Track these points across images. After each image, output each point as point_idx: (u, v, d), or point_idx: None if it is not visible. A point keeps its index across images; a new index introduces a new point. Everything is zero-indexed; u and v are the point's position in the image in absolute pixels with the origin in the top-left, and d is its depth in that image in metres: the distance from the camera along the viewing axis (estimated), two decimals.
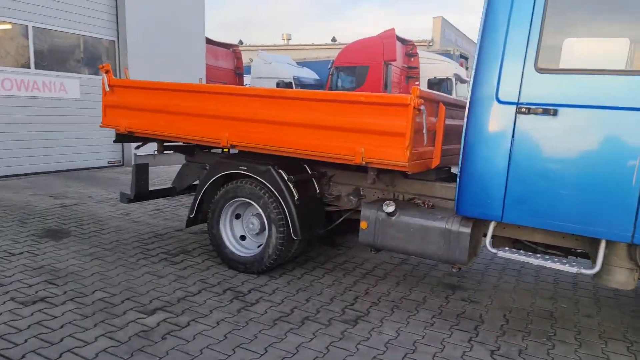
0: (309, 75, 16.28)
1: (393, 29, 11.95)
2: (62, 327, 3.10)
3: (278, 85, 13.72)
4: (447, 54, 15.55)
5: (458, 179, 3.25)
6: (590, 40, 2.99)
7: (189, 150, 5.03)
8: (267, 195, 3.95)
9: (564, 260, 3.14)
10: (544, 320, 3.56)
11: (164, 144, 4.95)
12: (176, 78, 5.80)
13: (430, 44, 23.74)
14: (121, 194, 5.01)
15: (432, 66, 13.21)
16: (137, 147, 5.19)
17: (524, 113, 2.95)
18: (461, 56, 16.29)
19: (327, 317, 3.44)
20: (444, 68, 13.25)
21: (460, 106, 4.06)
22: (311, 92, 3.89)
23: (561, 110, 2.85)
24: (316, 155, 3.66)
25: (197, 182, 4.98)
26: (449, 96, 4.10)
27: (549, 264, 3.09)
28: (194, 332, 3.12)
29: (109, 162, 10.09)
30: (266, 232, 4.03)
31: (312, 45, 29.50)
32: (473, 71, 3.15)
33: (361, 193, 4.11)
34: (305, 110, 3.63)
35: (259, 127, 3.87)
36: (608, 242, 2.93)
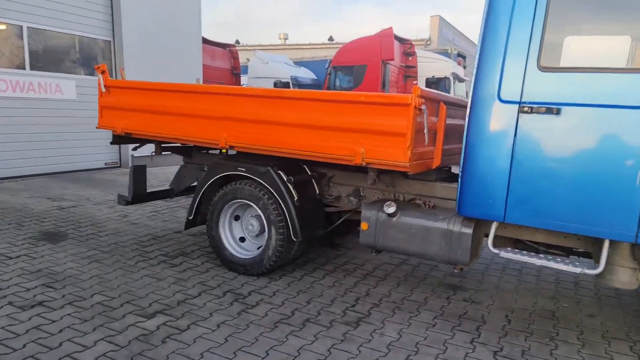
0: (306, 75, 16.24)
1: (391, 28, 11.93)
2: (60, 331, 3.06)
3: (275, 85, 13.68)
4: (445, 53, 15.54)
5: (460, 179, 3.22)
6: (593, 38, 2.97)
7: (187, 151, 4.99)
8: (266, 196, 3.92)
9: (567, 261, 3.12)
10: (546, 320, 3.54)
11: (162, 145, 4.91)
12: (173, 78, 5.77)
13: (428, 42, 23.73)
14: (119, 196, 4.97)
15: (430, 65, 13.19)
16: (135, 149, 5.15)
17: (526, 112, 2.93)
18: (459, 55, 16.28)
19: (328, 319, 3.41)
20: (442, 67, 13.24)
21: (460, 105, 4.04)
22: (311, 92, 3.86)
23: (564, 109, 2.82)
24: (316, 156, 3.63)
25: (195, 183, 4.94)
26: (450, 95, 4.08)
27: (552, 264, 3.07)
28: (195, 335, 3.09)
29: (106, 164, 10.03)
30: (266, 233, 4.00)
31: (310, 44, 29.45)
32: (474, 70, 3.12)
33: (361, 194, 4.08)
34: (304, 111, 3.60)
35: (258, 127, 3.84)
36: (611, 242, 2.91)
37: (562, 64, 2.95)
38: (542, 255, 3.20)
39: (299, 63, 17.44)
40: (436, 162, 3.53)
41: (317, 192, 4.16)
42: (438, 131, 3.48)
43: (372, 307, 3.63)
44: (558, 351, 3.08)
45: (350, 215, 4.21)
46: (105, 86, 4.73)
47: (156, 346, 2.93)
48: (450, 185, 3.72)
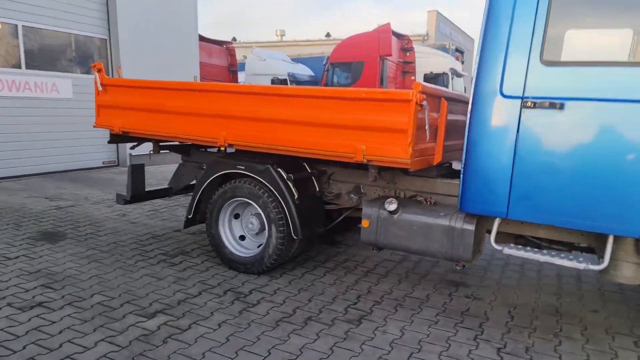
0: (303, 71, 16.19)
1: (388, 24, 11.88)
2: (60, 332, 3.03)
3: (273, 82, 13.62)
4: (443, 48, 15.50)
5: (461, 176, 3.20)
6: (597, 31, 2.94)
7: (185, 149, 4.95)
8: (266, 194, 3.89)
9: (570, 257, 3.09)
10: (549, 316, 3.53)
11: (160, 143, 4.87)
12: (170, 76, 5.73)
13: (425, 38, 23.67)
14: (117, 195, 4.94)
15: (428, 61, 13.15)
16: (132, 148, 5.11)
17: (529, 107, 2.90)
18: (457, 50, 16.24)
19: (330, 317, 3.39)
20: (440, 62, 13.20)
21: (460, 101, 4.01)
22: (310, 88, 3.83)
23: (568, 103, 2.79)
24: (316, 154, 3.60)
25: (194, 181, 4.91)
26: (450, 91, 4.05)
27: (556, 260, 3.05)
28: (196, 335, 3.06)
29: (103, 163, 9.98)
30: (266, 231, 3.97)
31: (307, 41, 29.37)
32: (476, 65, 3.09)
33: (362, 191, 4.05)
34: (304, 108, 3.57)
35: (257, 125, 3.80)
36: (615, 237, 2.89)
37: (566, 58, 2.92)
38: (545, 252, 3.18)
39: (296, 60, 17.38)
40: (437, 159, 3.50)
41: (317, 189, 4.13)
42: (439, 127, 3.45)
43: (373, 305, 3.61)
44: (562, 347, 3.07)
45: (350, 212, 4.18)
46: (101, 85, 4.68)
47: (157, 346, 2.91)
48: (451, 181, 3.70)
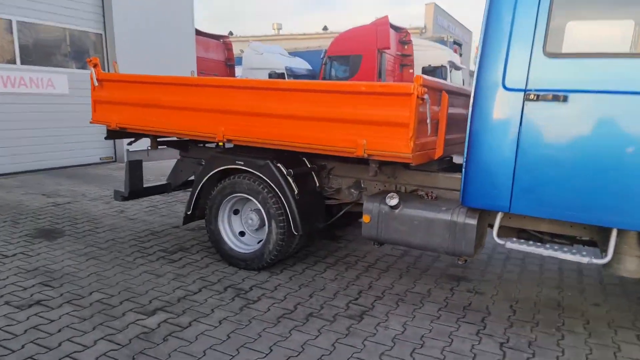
0: (301, 65, 16.12)
1: (386, 17, 11.80)
2: (59, 331, 3.00)
3: (270, 76, 13.55)
4: (441, 41, 15.43)
5: (463, 170, 3.16)
6: (601, 22, 2.90)
7: (183, 145, 4.91)
8: (266, 190, 3.85)
9: (574, 251, 3.07)
10: (551, 310, 3.52)
11: (158, 139, 4.82)
12: (167, 71, 5.67)
13: (423, 31, 23.55)
14: (115, 192, 4.89)
15: (426, 53, 13.10)
16: (130, 143, 5.06)
17: (532, 100, 2.86)
18: (455, 43, 16.19)
19: (332, 313, 3.37)
20: (439, 55, 13.15)
21: (461, 94, 3.97)
22: (310, 82, 3.79)
23: (571, 96, 2.76)
24: (316, 149, 3.56)
25: (192, 177, 4.87)
26: (451, 84, 4.00)
27: (559, 254, 3.03)
28: (196, 332, 3.04)
29: (101, 159, 9.92)
30: (266, 227, 3.94)
31: (304, 34, 29.20)
32: (478, 57, 3.05)
33: (362, 185, 4.02)
34: (304, 102, 3.52)
35: (256, 120, 3.75)
36: (619, 231, 2.86)
37: (569, 50, 2.88)
38: (548, 246, 3.15)
39: (293, 53, 17.30)
40: (438, 153, 3.46)
41: (317, 184, 4.09)
42: (440, 121, 3.41)
43: (375, 300, 3.59)
44: (565, 341, 3.05)
45: (350, 207, 4.15)
46: (97, 80, 4.62)
47: (158, 344, 2.88)
48: (453, 175, 3.67)
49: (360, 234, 3.73)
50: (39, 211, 5.91)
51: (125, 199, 4.84)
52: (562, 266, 4.43)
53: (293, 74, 14.66)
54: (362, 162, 3.70)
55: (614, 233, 2.85)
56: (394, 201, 3.43)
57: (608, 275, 4.14)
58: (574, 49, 2.87)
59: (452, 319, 3.32)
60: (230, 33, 29.58)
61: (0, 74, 8.14)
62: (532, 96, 2.87)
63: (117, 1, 9.70)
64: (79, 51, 9.54)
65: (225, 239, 4.19)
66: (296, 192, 3.79)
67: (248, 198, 4.03)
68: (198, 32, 12.36)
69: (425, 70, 12.73)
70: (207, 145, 4.79)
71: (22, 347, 2.81)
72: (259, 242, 4.10)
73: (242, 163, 3.97)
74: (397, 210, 3.47)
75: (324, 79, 12.50)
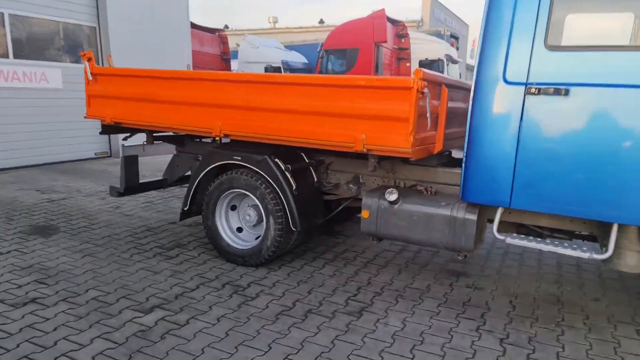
0: (297, 59, 16.01)
1: (383, 10, 11.71)
2: (55, 329, 2.96)
3: (266, 69, 13.45)
4: (438, 34, 15.36)
5: (463, 165, 3.13)
6: (604, 15, 2.87)
7: (179, 140, 4.85)
8: (263, 185, 3.81)
9: (574, 246, 3.06)
10: (551, 305, 3.50)
11: (153, 134, 4.76)
12: (162, 65, 5.58)
13: (420, 24, 23.43)
14: (110, 188, 4.83)
15: (423, 47, 13.03)
16: (125, 139, 5.00)
17: (533, 94, 2.83)
18: (452, 36, 16.13)
19: (331, 309, 3.34)
20: (435, 49, 13.09)
21: (460, 88, 3.93)
22: (308, 76, 3.73)
23: (573, 89, 2.73)
24: (315, 143, 3.52)
25: (189, 173, 4.82)
26: (451, 78, 3.96)
27: (560, 250, 3.01)
28: (194, 330, 3.01)
29: (96, 154, 9.83)
30: (264, 223, 3.90)
31: (300, 28, 29.01)
32: (478, 51, 3.01)
33: (361, 181, 3.99)
34: (302, 96, 3.48)
35: (254, 115, 3.71)
36: (620, 226, 2.85)
37: (571, 43, 2.84)
38: (548, 241, 3.14)
39: (289, 47, 17.17)
40: (438, 147, 3.44)
41: (315, 180, 4.05)
42: (440, 115, 3.38)
43: (374, 296, 3.57)
44: (565, 337, 3.04)
45: (349, 202, 4.12)
46: (92, 74, 4.55)
47: (155, 342, 2.85)
48: (452, 170, 3.64)
49: (359, 230, 3.70)
50: (33, 207, 5.85)
51: (121, 194, 4.79)
52: (560, 261, 4.42)
53: (289, 68, 14.56)
54: (361, 157, 3.66)
55: (615, 228, 2.83)
56: (393, 196, 3.40)
57: (607, 269, 4.13)
58: (575, 42, 2.83)
59: (452, 315, 3.30)
60: (226, 26, 29.37)
61: None
62: (533, 90, 2.84)
63: None
64: (72, 45, 9.42)
65: (223, 235, 4.15)
66: (294, 187, 3.75)
67: (246, 194, 3.99)
68: (193, 26, 12.24)
69: (422, 64, 12.66)
70: (203, 140, 4.74)
71: (17, 346, 2.77)
72: (256, 238, 4.07)
73: (239, 158, 3.92)
74: (396, 206, 3.44)
75: (320, 72, 12.42)
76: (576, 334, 3.09)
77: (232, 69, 14.60)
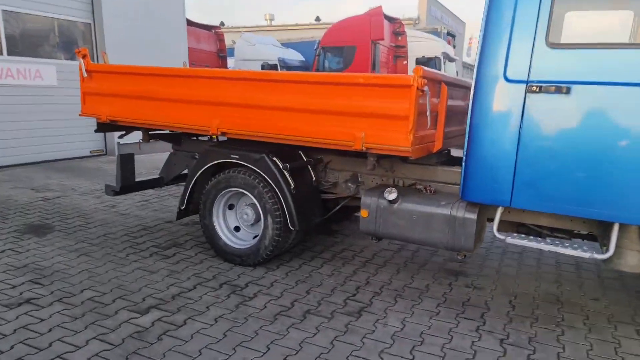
0: (294, 56, 15.96)
1: (380, 7, 11.68)
2: (50, 330, 2.92)
3: (263, 67, 13.40)
4: (435, 32, 15.34)
5: (463, 163, 3.11)
6: (607, 12, 2.84)
7: (176, 138, 4.80)
8: (261, 184, 3.77)
9: (575, 245, 3.04)
10: (550, 304, 3.49)
11: (150, 132, 4.70)
12: (158, 62, 5.52)
13: (417, 22, 23.41)
14: (106, 187, 4.77)
15: (420, 45, 13.02)
16: (121, 137, 4.94)
17: (534, 92, 2.80)
18: (449, 34, 16.11)
19: (329, 309, 3.31)
20: (432, 46, 13.08)
21: (459, 85, 3.90)
22: (307, 74, 3.69)
23: (575, 87, 2.70)
24: (313, 142, 3.48)
25: (186, 171, 4.77)
26: (450, 76, 3.93)
27: (560, 249, 2.99)
28: (192, 330, 2.97)
29: (91, 152, 9.75)
30: (261, 222, 3.86)
31: (296, 25, 28.93)
32: (478, 48, 2.98)
33: (359, 179, 3.95)
34: (301, 94, 3.43)
35: (252, 112, 3.66)
36: (620, 225, 2.83)
37: (572, 40, 2.81)
38: (549, 241, 3.12)
39: (286, 44, 17.12)
40: (437, 146, 3.40)
41: (314, 178, 4.02)
42: (439, 113, 3.35)
43: (373, 296, 3.54)
44: (565, 337, 3.02)
45: (347, 201, 4.09)
46: (87, 71, 4.49)
47: (152, 344, 2.81)
48: (451, 169, 3.61)
49: (357, 229, 3.68)
50: (28, 206, 5.78)
51: (116, 193, 4.73)
52: (559, 260, 4.41)
53: (286, 66, 14.51)
54: (360, 155, 3.63)
55: (616, 228, 2.81)
56: (392, 195, 3.37)
57: (606, 269, 4.12)
58: (577, 40, 2.80)
59: (452, 315, 3.28)
60: (222, 24, 29.23)
61: None
62: (534, 88, 2.81)
63: None
64: (67, 41, 9.33)
65: (220, 234, 4.11)
66: (292, 186, 3.71)
67: (243, 192, 3.95)
68: (189, 23, 12.15)
69: (419, 62, 12.64)
70: (200, 138, 4.70)
71: (12, 347, 2.72)
72: (254, 238, 4.03)
73: (237, 157, 3.88)
74: (395, 205, 3.41)
75: (317, 70, 12.38)
76: (576, 334, 3.07)
77: (228, 66, 14.52)
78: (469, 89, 3.09)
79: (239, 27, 28.61)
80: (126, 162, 4.69)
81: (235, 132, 3.80)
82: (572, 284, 3.88)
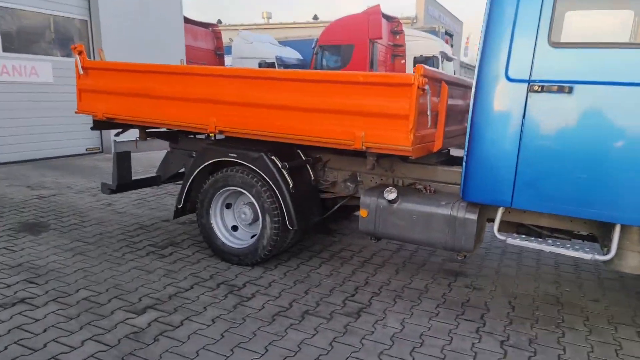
0: (291, 54, 15.90)
1: (378, 6, 11.62)
2: (45, 331, 2.88)
3: (260, 65, 13.33)
4: (432, 31, 15.31)
5: (464, 163, 3.08)
6: (610, 11, 2.81)
7: (173, 136, 4.75)
8: (260, 183, 3.73)
9: (576, 247, 3.02)
10: (550, 306, 3.47)
11: (146, 130, 4.66)
12: (155, 59, 5.48)
13: (414, 21, 23.38)
14: (102, 185, 4.72)
15: (417, 44, 12.97)
16: (117, 134, 4.89)
17: (536, 91, 2.77)
18: (446, 33, 16.09)
19: (328, 310, 3.28)
20: (430, 46, 13.02)
21: (459, 85, 3.88)
22: (306, 72, 3.65)
23: (577, 87, 2.68)
24: (312, 141, 3.44)
25: (183, 169, 4.73)
26: (450, 75, 3.90)
27: (562, 250, 2.97)
28: (189, 331, 2.93)
29: (87, 149, 9.68)
30: (260, 222, 3.83)
31: (294, 23, 28.85)
32: (480, 47, 2.95)
33: (358, 179, 3.92)
34: (300, 92, 3.40)
35: (250, 111, 3.62)
36: (622, 227, 2.81)
37: (575, 39, 2.78)
38: (550, 241, 3.09)
39: (283, 42, 17.05)
40: (437, 145, 3.38)
41: (312, 177, 3.98)
42: (440, 112, 3.32)
43: (372, 297, 3.51)
44: (566, 339, 3.00)
45: (346, 201, 4.05)
46: (83, 68, 4.44)
47: (148, 345, 2.77)
48: (451, 168, 3.59)
49: (355, 228, 3.65)
50: (23, 204, 5.72)
51: (113, 191, 4.68)
52: (558, 260, 4.39)
53: (283, 64, 14.44)
54: (359, 154, 3.60)
55: (618, 229, 2.79)
56: (392, 195, 3.34)
57: (606, 270, 4.11)
58: (580, 39, 2.78)
59: (451, 316, 3.25)
60: (219, 21, 29.09)
61: None
62: (536, 87, 2.78)
63: None
64: (63, 38, 9.25)
65: (218, 233, 4.07)
66: (291, 185, 3.67)
67: (241, 192, 3.91)
68: (186, 20, 12.08)
69: (417, 61, 12.58)
70: (197, 136, 4.65)
71: (5, 348, 2.68)
72: (252, 237, 3.99)
73: (235, 155, 3.84)
74: (395, 205, 3.38)
75: (315, 69, 12.32)
76: (577, 335, 3.05)
77: (225, 64, 14.45)
78: (469, 88, 3.06)
79: (236, 25, 28.51)
80: (123, 160, 4.64)
81: (233, 130, 3.75)
82: (571, 285, 3.87)
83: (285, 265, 4.05)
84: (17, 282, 3.52)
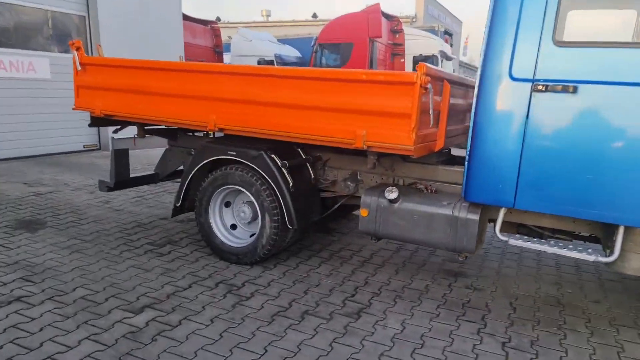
0: (290, 52, 15.85)
1: (378, 4, 11.58)
2: (41, 330, 2.84)
3: (259, 63, 13.29)
4: (432, 30, 15.28)
5: (467, 163, 3.05)
6: (615, 10, 2.78)
7: (171, 133, 4.71)
8: (259, 182, 3.70)
9: (579, 248, 2.99)
10: (552, 307, 3.44)
11: (145, 127, 4.61)
12: (153, 56, 5.41)
13: (414, 20, 23.35)
14: (100, 182, 4.67)
15: (417, 43, 12.94)
16: (115, 131, 4.84)
17: (540, 90, 2.74)
18: (446, 32, 16.05)
19: (328, 310, 3.25)
20: (430, 45, 13.00)
21: (461, 84, 3.85)
22: (307, 69, 3.62)
23: (582, 87, 2.65)
24: (313, 139, 3.41)
25: (181, 167, 4.69)
26: (452, 74, 3.87)
27: (564, 252, 2.94)
28: (187, 331, 2.90)
29: (84, 146, 9.61)
30: (259, 220, 3.79)
31: (293, 21, 28.80)
32: (483, 46, 2.91)
33: (358, 178, 3.89)
34: (300, 90, 3.36)
35: (250, 108, 3.58)
36: (625, 228, 2.78)
37: (580, 39, 2.75)
38: (552, 243, 3.07)
39: (282, 41, 17.00)
40: (439, 145, 3.35)
41: (312, 176, 3.95)
42: (442, 111, 3.29)
43: (372, 297, 3.48)
44: (567, 340, 2.98)
45: (345, 200, 4.02)
46: (80, 64, 4.39)
47: (146, 344, 2.73)
48: (453, 168, 3.56)
49: (355, 227, 3.62)
50: (19, 201, 5.67)
51: (110, 189, 4.63)
52: (559, 261, 4.37)
53: (282, 62, 14.40)
54: (359, 153, 3.57)
55: (621, 230, 2.77)
56: (393, 195, 3.31)
57: (606, 270, 4.09)
58: (584, 38, 2.74)
59: (452, 317, 3.23)
60: (218, 19, 29.02)
61: None
62: (540, 87, 2.75)
63: None
64: (61, 34, 9.18)
65: (216, 232, 4.03)
66: (291, 184, 3.64)
67: (240, 190, 3.87)
68: (185, 17, 12.01)
69: (416, 60, 12.56)
70: (196, 134, 4.61)
71: (1, 347, 2.64)
72: (251, 236, 3.95)
73: (234, 154, 3.80)
74: (396, 205, 3.35)
75: (314, 67, 12.28)
76: (578, 337, 3.03)
77: (224, 62, 14.39)
78: (470, 87, 3.03)
79: (235, 23, 28.43)
80: (120, 157, 4.59)
81: (233, 128, 3.72)
82: (572, 286, 3.84)
83: (285, 264, 4.02)
84: (13, 280, 3.48)
